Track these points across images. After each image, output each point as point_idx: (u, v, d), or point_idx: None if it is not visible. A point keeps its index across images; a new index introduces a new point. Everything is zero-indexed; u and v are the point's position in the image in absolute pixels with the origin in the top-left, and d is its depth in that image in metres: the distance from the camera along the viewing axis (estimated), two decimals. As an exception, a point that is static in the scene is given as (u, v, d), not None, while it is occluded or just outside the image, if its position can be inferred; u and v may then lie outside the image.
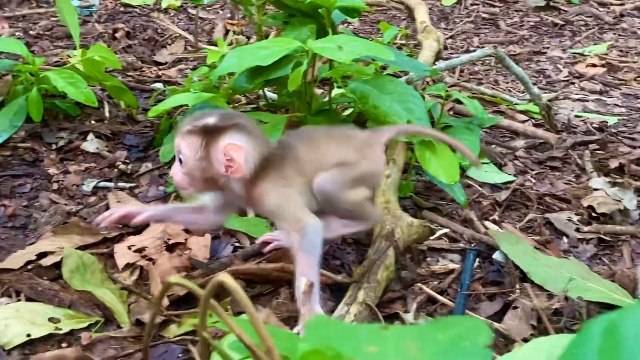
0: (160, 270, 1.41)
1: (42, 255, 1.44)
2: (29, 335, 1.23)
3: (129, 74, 2.56)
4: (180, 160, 1.26)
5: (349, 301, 1.28)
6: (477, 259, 1.51)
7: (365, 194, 1.35)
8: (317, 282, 1.24)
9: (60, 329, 1.25)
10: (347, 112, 2.01)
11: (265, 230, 1.55)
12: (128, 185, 1.78)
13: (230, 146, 1.22)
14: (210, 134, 1.23)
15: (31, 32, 3.02)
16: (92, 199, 1.72)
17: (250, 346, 0.62)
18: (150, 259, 1.44)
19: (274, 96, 2.07)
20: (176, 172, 1.29)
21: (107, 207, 1.64)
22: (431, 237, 1.59)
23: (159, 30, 3.16)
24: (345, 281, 1.36)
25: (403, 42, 3.07)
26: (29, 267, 1.42)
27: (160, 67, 2.72)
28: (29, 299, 1.32)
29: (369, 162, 1.35)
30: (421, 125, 1.64)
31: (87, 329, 1.26)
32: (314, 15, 1.82)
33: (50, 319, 1.27)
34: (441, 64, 2.24)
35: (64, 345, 1.22)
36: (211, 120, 1.24)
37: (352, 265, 1.47)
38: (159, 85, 2.50)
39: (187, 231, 1.53)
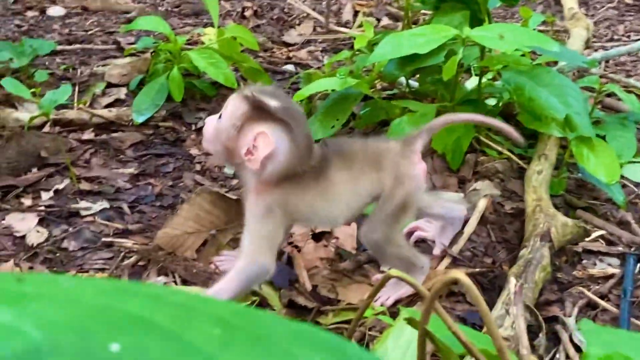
0: (306, 260, 1.47)
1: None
2: (187, 314, 1.30)
3: (260, 54, 2.63)
4: (221, 115, 1.25)
5: (507, 301, 1.30)
6: (638, 265, 1.49)
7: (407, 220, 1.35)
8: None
9: (217, 311, 1.32)
10: (491, 102, 2.01)
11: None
12: (270, 169, 1.85)
13: (264, 136, 1.18)
14: (259, 112, 1.20)
15: (160, 8, 3.15)
16: (235, 181, 1.80)
17: (467, 345, 0.65)
18: (296, 247, 1.50)
19: (414, 84, 2.09)
20: (210, 122, 1.27)
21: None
22: (586, 239, 1.58)
23: (285, 10, 3.23)
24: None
25: (542, 28, 3.02)
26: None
27: (290, 48, 2.78)
28: (184, 281, 1.40)
29: (404, 185, 1.30)
30: (579, 119, 1.63)
31: (242, 311, 1.33)
32: (466, 1, 1.83)
33: (206, 300, 1.34)
34: (596, 54, 2.21)
35: (221, 326, 1.29)
36: (272, 102, 1.19)
37: (503, 263, 1.49)
38: (290, 67, 2.56)
39: (334, 219, 1.57)
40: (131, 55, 2.37)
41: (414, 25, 2.12)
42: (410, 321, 0.71)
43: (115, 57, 2.52)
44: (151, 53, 2.29)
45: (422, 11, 2.64)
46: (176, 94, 2.05)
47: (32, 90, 1.78)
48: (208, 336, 0.30)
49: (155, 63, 2.22)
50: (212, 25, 2.89)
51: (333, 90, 1.89)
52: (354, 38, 2.14)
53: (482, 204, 1.61)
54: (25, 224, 1.55)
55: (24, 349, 0.27)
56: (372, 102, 1.91)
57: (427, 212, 1.46)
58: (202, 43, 2.49)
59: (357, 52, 2.01)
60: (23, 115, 1.95)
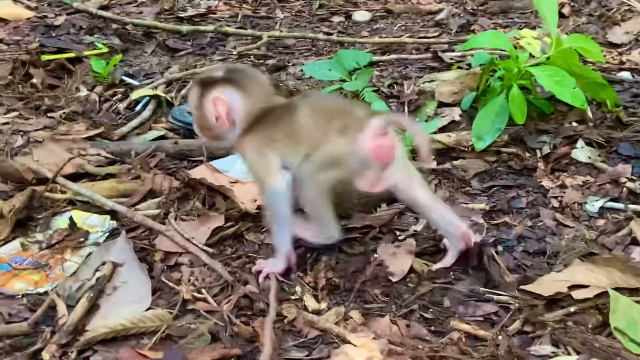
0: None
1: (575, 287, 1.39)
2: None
3: (588, 60, 2.40)
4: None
5: None
6: None
7: (335, 179, 1.42)
8: (286, 249, 1.46)
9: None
10: None
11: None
12: (643, 209, 1.66)
13: (216, 99, 1.43)
14: (206, 86, 1.46)
15: (466, 7, 3.00)
16: (601, 222, 1.63)
17: None
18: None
19: None
20: (193, 121, 1.54)
21: (633, 238, 1.53)
22: None
23: (603, 3, 2.95)
24: None
25: None
26: (560, 298, 1.38)
27: (619, 49, 2.53)
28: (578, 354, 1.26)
29: (342, 142, 1.39)
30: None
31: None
32: None
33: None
34: None
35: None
36: (214, 73, 1.48)
37: None
38: (626, 74, 2.32)
39: None
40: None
41: None
42: None
43: (433, 68, 2.43)
44: (480, 66, 2.16)
45: None
46: (518, 116, 1.91)
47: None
48: None
49: (486, 79, 2.09)
50: (525, 25, 2.73)
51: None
52: None
53: None
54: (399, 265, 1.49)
55: None
56: None
57: (426, 214, 1.52)
58: (521, 47, 2.33)
59: None
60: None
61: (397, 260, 1.50)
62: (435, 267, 1.49)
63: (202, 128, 1.51)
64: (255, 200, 1.69)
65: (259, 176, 1.47)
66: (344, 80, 2.17)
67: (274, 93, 1.53)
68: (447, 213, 1.50)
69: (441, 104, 2.11)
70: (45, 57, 2.45)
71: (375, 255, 1.53)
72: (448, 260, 1.50)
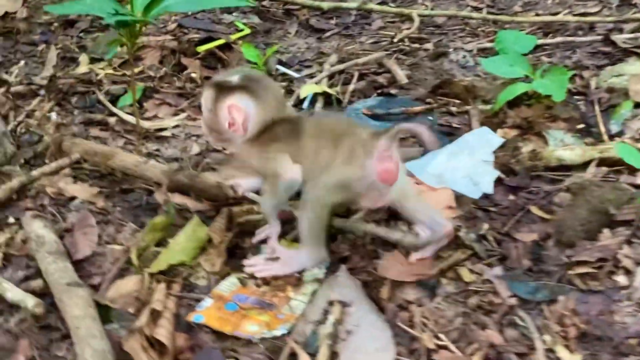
0: None
1: None
2: None
3: None
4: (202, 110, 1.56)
5: None
6: None
7: (340, 200, 1.48)
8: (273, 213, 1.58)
9: None
10: None
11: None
12: None
13: (233, 106, 1.45)
14: (221, 90, 1.47)
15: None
16: None
17: None
18: None
19: None
20: (202, 120, 1.57)
21: None
22: None
23: None
24: None
25: None
26: None
27: None
28: None
29: (350, 167, 1.43)
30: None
31: None
32: None
33: None
34: None
35: None
36: (231, 78, 1.48)
37: None
38: None
39: None
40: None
41: None
42: None
43: (606, 53, 2.29)
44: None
45: None
46: None
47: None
48: None
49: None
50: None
51: None
52: None
53: None
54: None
55: None
56: None
57: (412, 216, 1.56)
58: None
59: None
60: (564, 153, 1.81)
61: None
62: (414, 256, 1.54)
63: (211, 130, 1.55)
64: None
65: (273, 173, 1.49)
66: (525, 77, 2.03)
67: (286, 103, 1.60)
68: (434, 213, 1.56)
69: (636, 104, 1.98)
70: (200, 48, 2.37)
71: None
72: (427, 252, 1.54)
